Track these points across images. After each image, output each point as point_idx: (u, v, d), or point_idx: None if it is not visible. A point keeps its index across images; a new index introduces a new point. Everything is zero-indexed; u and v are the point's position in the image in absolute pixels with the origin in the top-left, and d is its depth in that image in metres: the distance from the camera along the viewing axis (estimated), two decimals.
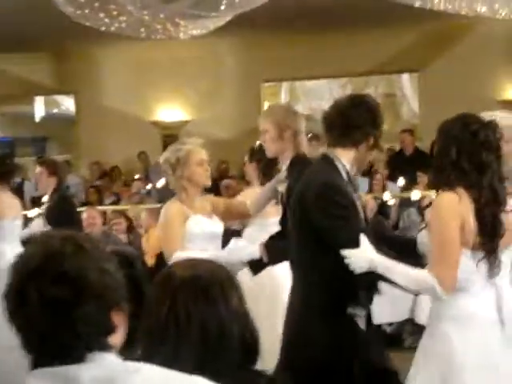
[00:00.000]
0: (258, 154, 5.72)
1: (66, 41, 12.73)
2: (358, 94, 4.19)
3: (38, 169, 6.87)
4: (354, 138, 3.63)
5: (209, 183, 4.73)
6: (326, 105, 15.82)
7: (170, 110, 13.87)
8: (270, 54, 13.37)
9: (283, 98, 16.97)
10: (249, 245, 4.25)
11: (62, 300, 1.59)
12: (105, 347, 1.65)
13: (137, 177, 12.77)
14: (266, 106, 15.05)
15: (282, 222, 4.32)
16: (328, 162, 3.65)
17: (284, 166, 4.52)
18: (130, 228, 8.60)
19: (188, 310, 2.06)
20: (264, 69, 13.65)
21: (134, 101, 14.02)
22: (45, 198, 6.91)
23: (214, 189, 8.38)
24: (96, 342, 1.64)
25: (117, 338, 1.68)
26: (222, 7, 7.05)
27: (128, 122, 13.83)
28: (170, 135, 12.99)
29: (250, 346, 2.12)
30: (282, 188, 4.44)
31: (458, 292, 3.27)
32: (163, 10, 7.33)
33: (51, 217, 6.54)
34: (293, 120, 4.51)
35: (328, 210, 3.49)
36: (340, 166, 3.61)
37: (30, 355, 1.65)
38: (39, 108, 17.51)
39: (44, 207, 6.81)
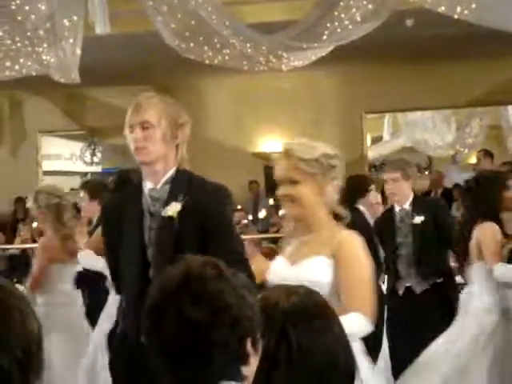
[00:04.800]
0: None
1: (170, 74, 12.95)
2: None
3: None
4: None
5: None
6: (429, 136, 15.52)
7: (271, 142, 13.92)
8: (373, 85, 13.26)
9: (386, 129, 16.82)
10: None
11: (198, 321, 1.60)
12: (237, 377, 1.64)
13: (238, 207, 12.83)
14: (368, 137, 14.90)
15: None
16: None
17: None
18: None
19: (299, 340, 1.94)
20: (366, 100, 13.52)
21: (236, 132, 14.15)
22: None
23: None
24: (229, 369, 1.63)
25: (249, 370, 1.67)
26: (324, 37, 7.03)
27: (230, 153, 13.94)
28: (271, 166, 12.97)
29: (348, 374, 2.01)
30: None
31: None
32: (266, 42, 7.36)
33: None
34: None
35: None
36: None
37: (165, 378, 1.66)
38: None
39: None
